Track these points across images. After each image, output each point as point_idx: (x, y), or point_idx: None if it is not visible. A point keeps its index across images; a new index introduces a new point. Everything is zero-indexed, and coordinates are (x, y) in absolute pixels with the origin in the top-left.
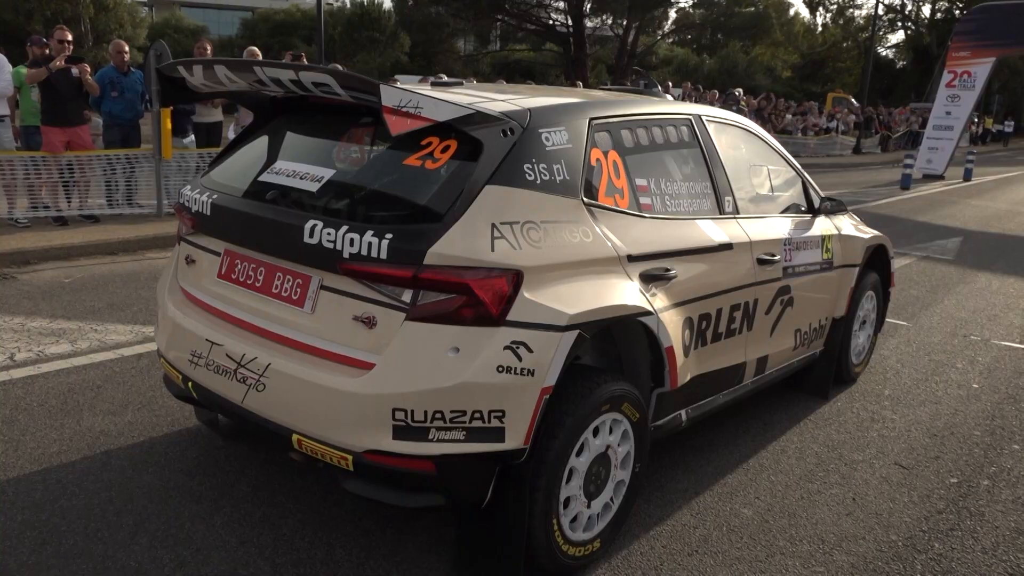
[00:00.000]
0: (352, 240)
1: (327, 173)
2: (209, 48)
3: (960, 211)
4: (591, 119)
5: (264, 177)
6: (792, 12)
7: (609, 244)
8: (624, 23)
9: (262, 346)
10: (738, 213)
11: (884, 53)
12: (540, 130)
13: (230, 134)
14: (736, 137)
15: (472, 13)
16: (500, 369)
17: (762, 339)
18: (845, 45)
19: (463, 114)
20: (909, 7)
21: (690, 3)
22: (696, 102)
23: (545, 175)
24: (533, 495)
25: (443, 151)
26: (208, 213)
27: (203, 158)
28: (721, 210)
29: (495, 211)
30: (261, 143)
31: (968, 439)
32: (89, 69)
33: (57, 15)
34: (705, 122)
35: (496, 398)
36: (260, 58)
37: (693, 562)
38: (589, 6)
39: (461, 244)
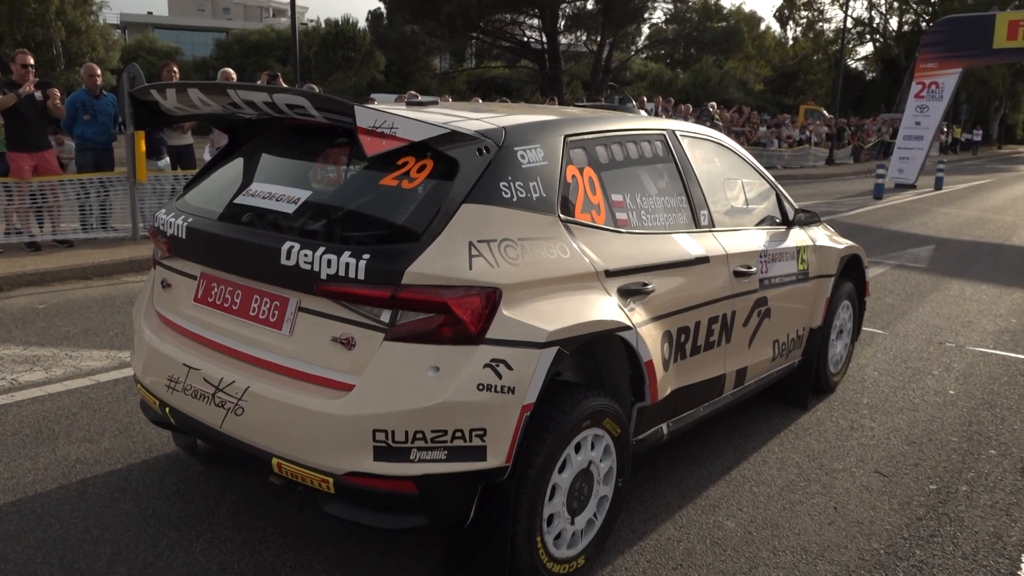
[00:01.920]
0: (329, 261)
1: (303, 195)
2: (176, 71)
3: (932, 219)
4: (566, 136)
5: (240, 199)
6: (763, 26)
7: (587, 260)
8: (598, 39)
9: (240, 369)
10: (714, 226)
11: (854, 65)
12: (515, 148)
13: (206, 156)
14: (710, 151)
15: (447, 31)
16: (480, 387)
17: (741, 351)
18: (816, 58)
19: (438, 133)
20: (877, 20)
21: (663, 19)
22: (671, 116)
23: (521, 192)
24: (516, 513)
25: (419, 171)
26: (183, 236)
27: (178, 180)
28: (697, 224)
29: (472, 229)
30: (236, 165)
31: (946, 445)
32: (59, 94)
33: (29, 38)
34: (679, 137)
35: (477, 416)
36: (234, 79)
37: None
38: (563, 23)
39: (439, 263)
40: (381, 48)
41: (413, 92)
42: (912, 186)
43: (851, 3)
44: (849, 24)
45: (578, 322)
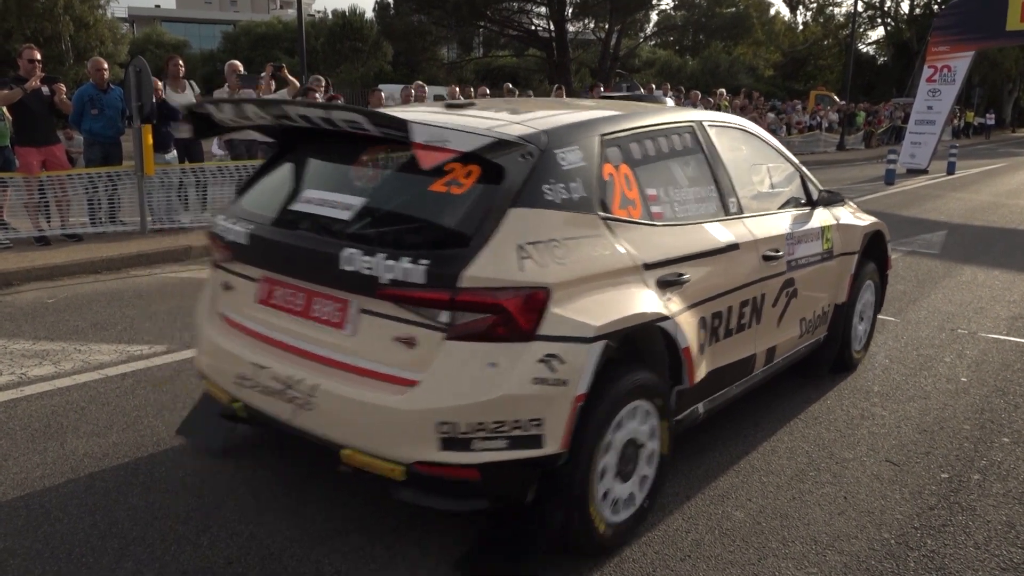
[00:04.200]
0: (389, 267)
1: (357, 201)
2: (182, 64)
3: (944, 204)
4: (601, 135)
5: (296, 206)
6: (773, 11)
7: (626, 255)
8: (606, 27)
9: (307, 368)
10: (742, 212)
11: (865, 50)
12: (556, 151)
13: (215, 149)
14: (735, 139)
15: (454, 20)
16: (535, 381)
17: (770, 331)
18: (826, 43)
19: (486, 143)
20: (888, 3)
21: (671, 5)
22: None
23: (563, 194)
24: (571, 487)
25: (466, 176)
26: (244, 243)
27: (185, 174)
28: (726, 211)
29: (520, 232)
30: (287, 170)
31: (958, 433)
32: (64, 89)
33: (37, 34)
34: (706, 127)
35: (533, 408)
36: (241, 71)
37: (686, 567)
38: (571, 11)
39: (492, 266)
40: (388, 38)
41: (419, 82)
42: (924, 171)
43: None
44: (860, 8)
45: (623, 316)
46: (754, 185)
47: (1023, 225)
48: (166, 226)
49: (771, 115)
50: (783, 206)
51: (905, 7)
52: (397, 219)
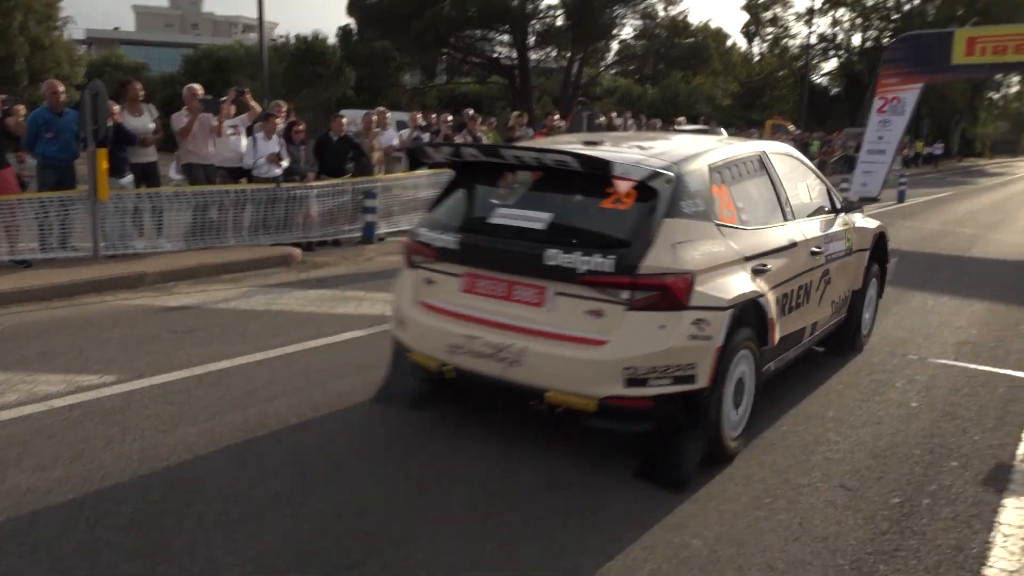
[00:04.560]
0: (585, 261)
1: (546, 216)
2: (140, 87)
3: (895, 232)
4: (709, 164)
5: (494, 219)
6: (730, 42)
7: (734, 251)
8: (568, 55)
9: (514, 336)
10: (794, 218)
11: (819, 81)
12: (685, 177)
13: (171, 173)
14: (785, 161)
15: (418, 47)
16: (691, 337)
17: (814, 309)
18: (782, 73)
19: (648, 173)
20: (840, 37)
21: (632, 35)
22: (640, 130)
23: (693, 208)
24: (710, 412)
25: (627, 196)
26: (454, 248)
27: (141, 199)
28: (784, 218)
29: (671, 235)
30: (472, 193)
31: (909, 458)
32: (23, 111)
33: None
34: (768, 154)
35: (689, 356)
36: (201, 94)
37: None
38: (533, 40)
39: (658, 259)
40: (351, 64)
41: (381, 108)
42: (876, 199)
43: (815, 20)
44: (814, 40)
45: (741, 292)
46: (799, 196)
47: (969, 252)
48: (120, 252)
49: None
50: (817, 212)
51: (856, 40)
52: (582, 228)
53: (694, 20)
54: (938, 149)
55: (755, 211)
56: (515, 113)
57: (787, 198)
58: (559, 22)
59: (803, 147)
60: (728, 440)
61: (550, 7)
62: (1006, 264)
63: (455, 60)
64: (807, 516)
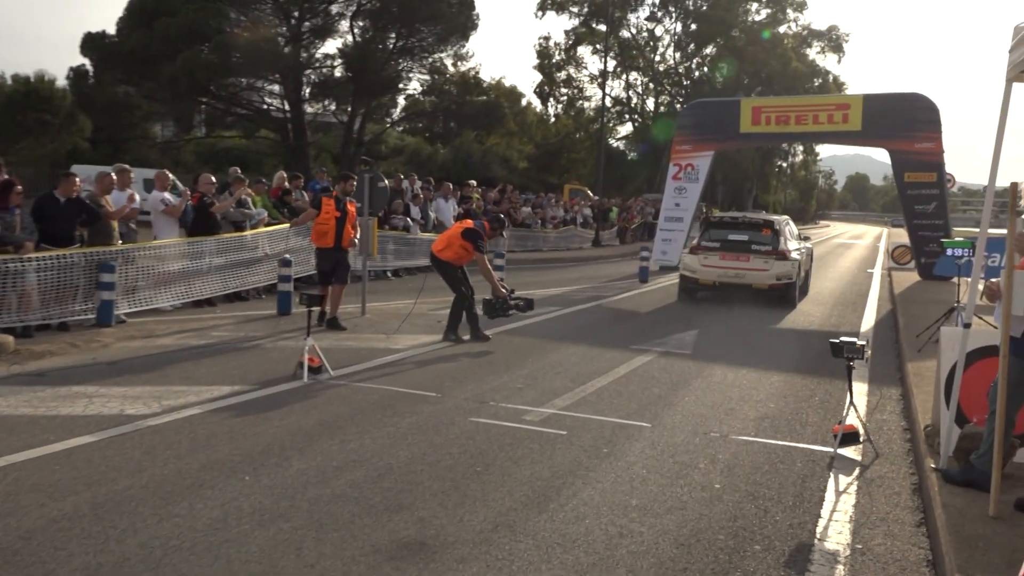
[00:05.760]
0: (768, 251)
1: (748, 236)
2: None
3: (695, 305)
4: (787, 219)
5: (730, 237)
6: (524, 102)
7: (795, 247)
8: (349, 109)
9: (741, 269)
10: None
11: (615, 144)
12: (783, 224)
13: None
14: (789, 223)
15: (170, 95)
16: (791, 267)
17: (805, 266)
18: (578, 136)
19: (776, 221)
20: (635, 100)
21: (420, 90)
22: (433, 196)
23: (789, 233)
24: (796, 289)
25: (769, 230)
26: (717, 246)
27: None
28: (798, 241)
29: (784, 240)
30: (718, 228)
31: (713, 544)
32: None
33: None
34: (786, 221)
35: (791, 272)
36: None
37: None
38: (308, 91)
39: (783, 245)
40: (86, 111)
41: (123, 165)
42: (676, 268)
43: (609, 82)
44: (608, 103)
45: (796, 257)
46: (791, 239)
47: (764, 321)
48: None
49: (526, 209)
50: (798, 244)
51: (651, 104)
52: (759, 239)
53: (486, 77)
54: None
55: (794, 237)
56: (286, 174)
57: (789, 238)
58: (337, 73)
59: (603, 214)
60: None
61: (327, 56)
62: (801, 334)
63: (216, 111)
64: None
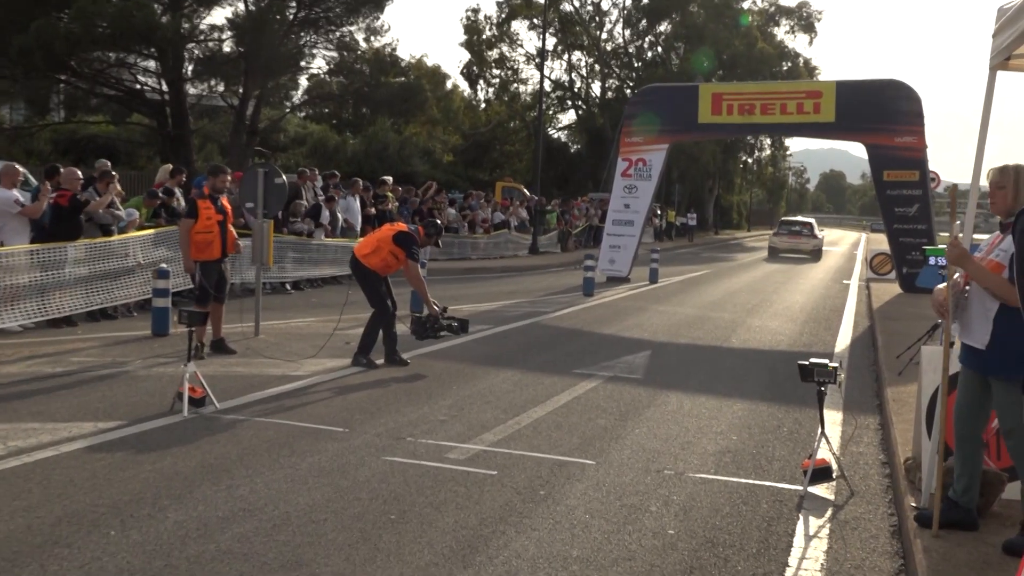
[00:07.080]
0: (808, 229)
1: (804, 223)
2: None
3: (648, 319)
4: (815, 219)
5: (791, 227)
6: (450, 84)
7: (820, 237)
8: (240, 91)
9: (801, 245)
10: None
11: (556, 135)
12: (814, 223)
13: None
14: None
15: (20, 71)
16: (818, 241)
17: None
18: (513, 125)
19: (812, 222)
20: (579, 85)
21: (325, 70)
22: (343, 195)
23: (819, 231)
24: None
25: (808, 228)
26: (786, 235)
27: None
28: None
29: (818, 231)
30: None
31: None
32: None
33: None
34: (815, 222)
35: (816, 246)
36: None
37: None
38: (191, 68)
39: (820, 233)
40: None
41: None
42: (626, 279)
43: (548, 63)
44: (548, 87)
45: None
46: (816, 229)
47: (728, 342)
48: None
49: (452, 211)
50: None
51: (597, 89)
52: (808, 226)
53: (404, 55)
54: (691, 219)
55: (818, 228)
56: (167, 167)
57: (818, 227)
58: (226, 48)
59: (541, 216)
60: None
61: (213, 28)
62: (767, 355)
63: (79, 91)
64: None
